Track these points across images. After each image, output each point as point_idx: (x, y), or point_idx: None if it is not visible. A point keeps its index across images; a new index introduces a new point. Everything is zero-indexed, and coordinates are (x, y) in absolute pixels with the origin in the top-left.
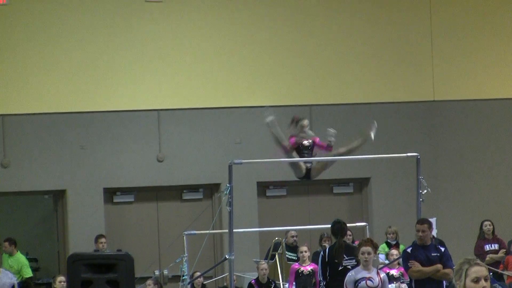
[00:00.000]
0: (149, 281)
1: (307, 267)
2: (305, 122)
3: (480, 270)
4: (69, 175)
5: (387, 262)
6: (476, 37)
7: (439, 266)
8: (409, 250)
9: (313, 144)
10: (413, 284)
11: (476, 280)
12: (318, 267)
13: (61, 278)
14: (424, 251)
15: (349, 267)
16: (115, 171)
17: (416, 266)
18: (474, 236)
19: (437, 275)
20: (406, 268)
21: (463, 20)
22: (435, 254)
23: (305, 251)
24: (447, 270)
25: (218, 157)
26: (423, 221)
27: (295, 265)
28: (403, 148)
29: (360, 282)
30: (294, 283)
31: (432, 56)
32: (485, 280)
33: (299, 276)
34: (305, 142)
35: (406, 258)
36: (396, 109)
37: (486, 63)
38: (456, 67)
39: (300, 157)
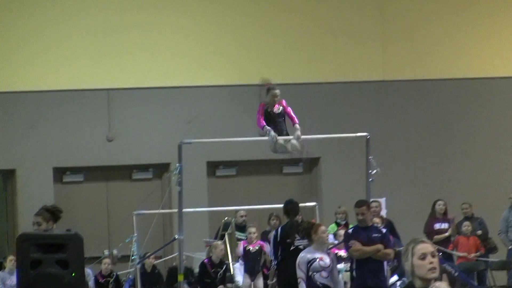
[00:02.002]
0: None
1: (255, 245)
2: (277, 91)
3: (425, 247)
4: (19, 154)
5: (336, 242)
6: (425, 18)
7: (380, 246)
8: (350, 231)
9: (284, 112)
10: (354, 264)
11: (423, 257)
12: (266, 245)
13: (12, 257)
14: (365, 232)
15: (300, 247)
16: (65, 150)
17: (357, 245)
18: (424, 215)
19: (378, 255)
20: (348, 248)
21: (412, 2)
22: (376, 235)
23: (253, 232)
24: (388, 250)
25: (168, 136)
26: (361, 203)
27: (243, 243)
28: (353, 128)
29: (313, 263)
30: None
31: (382, 37)
32: (432, 256)
33: (247, 254)
34: (275, 110)
35: (347, 238)
36: (346, 88)
37: (435, 43)
38: (405, 47)
39: (273, 125)
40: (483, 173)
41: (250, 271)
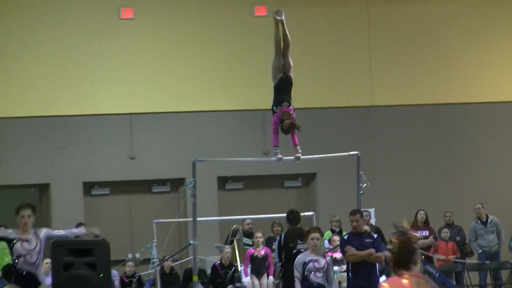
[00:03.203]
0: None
1: (261, 252)
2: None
3: None
4: (52, 171)
5: (330, 247)
6: (410, 49)
7: (372, 250)
8: (345, 237)
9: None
10: (349, 267)
11: None
12: (270, 251)
13: (47, 260)
14: (359, 238)
15: (302, 250)
16: (93, 167)
17: (351, 251)
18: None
19: (371, 258)
20: (343, 253)
21: (398, 33)
22: (368, 240)
23: (260, 237)
24: (379, 254)
25: (183, 155)
26: (355, 212)
27: (250, 250)
28: (345, 148)
29: (307, 264)
30: (249, 265)
31: (370, 66)
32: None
33: (253, 259)
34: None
35: (342, 244)
36: (337, 113)
37: (418, 72)
38: (391, 76)
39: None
40: (458, 186)
41: (257, 273)
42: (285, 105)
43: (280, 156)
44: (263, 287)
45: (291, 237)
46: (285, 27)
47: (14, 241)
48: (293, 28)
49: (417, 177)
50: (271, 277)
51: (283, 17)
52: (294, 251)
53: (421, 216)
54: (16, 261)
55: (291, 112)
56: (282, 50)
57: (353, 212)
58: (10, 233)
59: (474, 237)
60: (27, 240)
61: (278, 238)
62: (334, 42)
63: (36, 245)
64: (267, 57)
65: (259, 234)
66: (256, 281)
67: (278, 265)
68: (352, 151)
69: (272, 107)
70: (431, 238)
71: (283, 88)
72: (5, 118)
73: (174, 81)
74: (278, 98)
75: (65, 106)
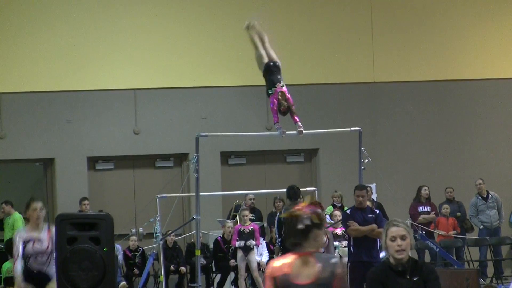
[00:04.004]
0: None
1: (248, 227)
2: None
3: (397, 230)
4: (57, 145)
5: (332, 222)
6: (411, 26)
7: (374, 226)
8: (348, 212)
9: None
10: (351, 242)
11: (393, 239)
12: (258, 227)
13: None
14: (362, 213)
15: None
16: (97, 142)
17: (354, 225)
18: (408, 200)
19: (373, 234)
20: (346, 227)
21: (400, 10)
22: (371, 215)
23: (246, 215)
24: (381, 230)
25: (186, 130)
26: (362, 187)
27: (238, 226)
28: (347, 123)
29: None
30: (237, 239)
31: (372, 43)
32: (402, 239)
33: (241, 234)
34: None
35: (345, 218)
36: (340, 89)
37: (420, 49)
38: (393, 53)
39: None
40: (459, 162)
41: (244, 248)
42: (279, 85)
43: (283, 130)
44: (252, 263)
45: None
46: (257, 28)
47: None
48: (298, 4)
49: (418, 153)
50: (265, 258)
51: (247, 24)
52: None
53: (425, 191)
54: (27, 261)
55: (286, 92)
56: (262, 45)
57: (360, 187)
58: (21, 236)
59: (475, 213)
60: (39, 240)
61: (278, 213)
62: (337, 19)
63: (48, 246)
64: (270, 33)
65: (246, 213)
66: (242, 265)
67: (277, 240)
68: (354, 127)
69: (267, 90)
70: (432, 214)
71: (272, 71)
72: (9, 93)
73: (178, 57)
74: (270, 81)
75: (70, 81)
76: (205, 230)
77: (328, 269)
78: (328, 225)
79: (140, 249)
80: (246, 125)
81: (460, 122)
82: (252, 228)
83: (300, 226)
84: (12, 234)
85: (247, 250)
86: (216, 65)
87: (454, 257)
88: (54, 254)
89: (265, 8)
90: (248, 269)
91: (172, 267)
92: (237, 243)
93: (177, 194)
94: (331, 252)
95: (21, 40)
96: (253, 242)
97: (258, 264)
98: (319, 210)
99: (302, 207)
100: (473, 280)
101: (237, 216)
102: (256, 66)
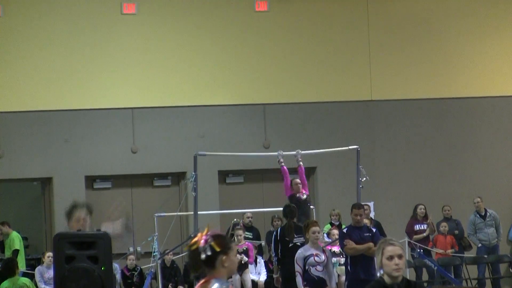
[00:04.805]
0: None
1: (242, 246)
2: (297, 180)
3: (394, 249)
4: (55, 164)
5: (330, 240)
6: (409, 43)
7: (371, 244)
8: (344, 230)
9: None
10: (348, 260)
11: (390, 258)
12: (252, 246)
13: (49, 253)
14: (359, 232)
15: (298, 243)
16: (95, 161)
17: (350, 244)
18: (405, 217)
19: (369, 252)
20: (342, 246)
21: (398, 27)
22: (367, 234)
23: (240, 235)
24: None
25: (184, 149)
26: (359, 206)
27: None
28: (345, 141)
29: (309, 258)
30: None
31: (369, 60)
32: (399, 257)
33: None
34: (301, 196)
35: (342, 237)
36: (339, 107)
37: (417, 66)
38: (391, 70)
39: (300, 209)
40: (456, 180)
41: (239, 267)
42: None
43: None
44: (247, 283)
45: (288, 231)
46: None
47: None
48: (294, 22)
49: (416, 170)
50: (263, 277)
51: None
52: (291, 245)
53: (420, 210)
54: None
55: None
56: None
57: (358, 206)
58: None
59: (473, 231)
60: None
61: (274, 232)
62: (334, 37)
63: None
64: (267, 52)
65: (239, 232)
66: (238, 284)
67: (274, 259)
68: (352, 145)
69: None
70: (427, 232)
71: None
72: (8, 112)
73: (175, 75)
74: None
75: (67, 100)
76: None
77: None
78: (326, 244)
79: (138, 268)
80: (244, 143)
81: (457, 140)
82: (246, 247)
83: (203, 257)
84: (11, 254)
85: (241, 268)
86: (213, 83)
87: (452, 275)
88: None
89: (263, 28)
90: None
91: (170, 286)
92: None
93: (175, 213)
94: (330, 270)
95: (19, 59)
96: (245, 258)
97: (256, 283)
98: (220, 234)
99: (199, 238)
100: None
101: (235, 234)
102: (253, 85)
